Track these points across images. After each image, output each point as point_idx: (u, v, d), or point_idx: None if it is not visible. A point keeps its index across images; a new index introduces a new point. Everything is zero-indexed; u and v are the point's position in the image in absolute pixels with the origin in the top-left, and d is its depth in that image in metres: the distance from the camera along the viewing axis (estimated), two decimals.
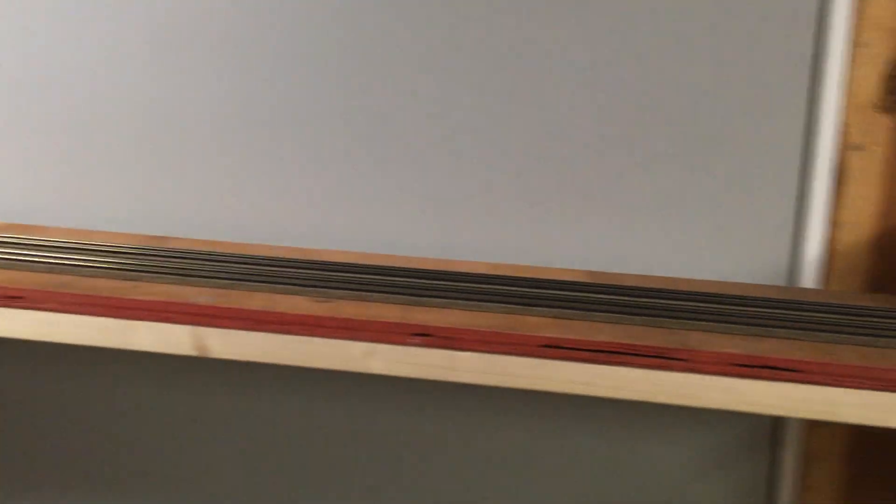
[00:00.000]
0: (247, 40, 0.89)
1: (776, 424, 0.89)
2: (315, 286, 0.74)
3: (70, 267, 0.77)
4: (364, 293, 0.73)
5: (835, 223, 0.81)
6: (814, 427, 0.86)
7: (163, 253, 0.83)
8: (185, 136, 0.93)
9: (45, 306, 0.73)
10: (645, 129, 0.85)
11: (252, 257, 0.82)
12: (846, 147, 0.80)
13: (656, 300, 0.73)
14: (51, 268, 0.77)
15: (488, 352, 0.67)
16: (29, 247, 0.83)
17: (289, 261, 0.82)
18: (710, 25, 0.81)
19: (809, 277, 0.83)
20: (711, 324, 0.68)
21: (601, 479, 0.93)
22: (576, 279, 0.80)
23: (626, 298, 0.73)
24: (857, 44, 0.78)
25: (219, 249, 0.85)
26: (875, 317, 0.70)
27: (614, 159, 0.86)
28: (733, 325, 0.67)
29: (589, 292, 0.75)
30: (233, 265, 0.80)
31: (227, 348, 0.71)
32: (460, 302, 0.72)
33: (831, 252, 0.82)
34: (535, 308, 0.71)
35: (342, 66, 0.88)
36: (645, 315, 0.69)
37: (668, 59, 0.83)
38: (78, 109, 0.94)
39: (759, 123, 0.83)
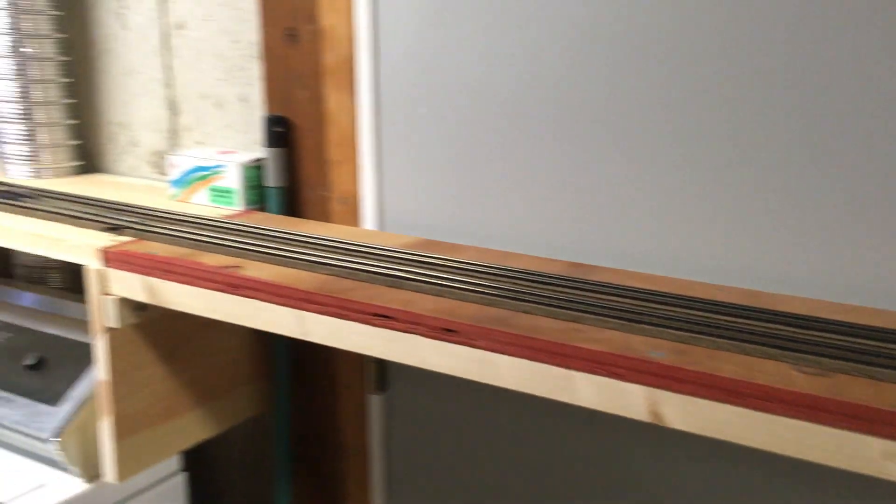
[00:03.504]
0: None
1: None
2: (800, 351, 0.59)
3: (502, 299, 0.69)
4: (871, 368, 0.57)
5: None
6: None
7: (590, 286, 0.73)
8: (615, 150, 0.82)
9: (479, 343, 0.66)
10: None
11: (702, 302, 0.69)
12: None
13: None
14: (481, 298, 0.70)
15: None
16: (447, 269, 0.78)
17: (749, 310, 0.67)
18: None
19: None
20: None
21: None
22: None
23: None
24: None
25: (654, 287, 0.73)
26: None
27: None
28: None
29: None
30: (685, 311, 0.67)
31: (687, 419, 0.59)
32: None
33: None
34: None
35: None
36: None
37: None
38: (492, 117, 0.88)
39: None
